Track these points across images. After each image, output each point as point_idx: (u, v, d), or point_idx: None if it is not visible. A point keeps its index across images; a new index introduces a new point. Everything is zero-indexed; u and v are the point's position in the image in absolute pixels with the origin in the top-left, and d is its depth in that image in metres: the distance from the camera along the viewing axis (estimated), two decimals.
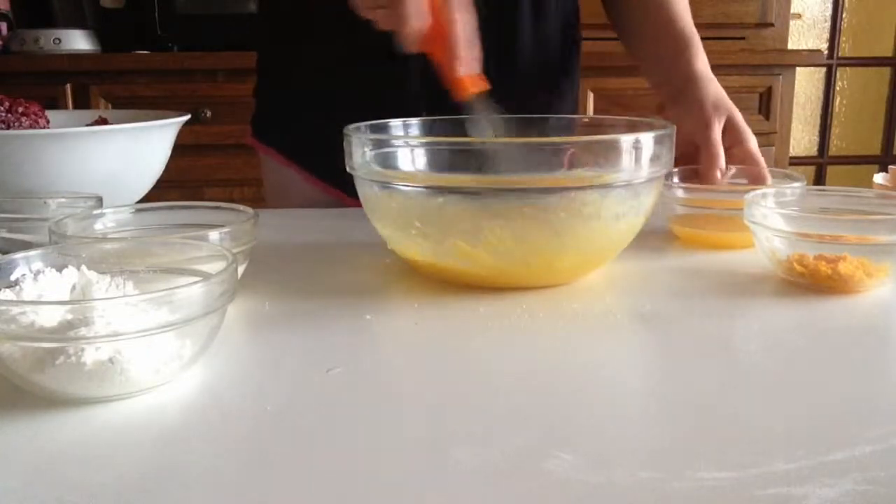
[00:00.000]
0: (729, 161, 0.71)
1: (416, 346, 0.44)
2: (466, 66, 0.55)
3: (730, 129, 0.73)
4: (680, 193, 0.66)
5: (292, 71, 0.89)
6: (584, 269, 0.55)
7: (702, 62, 0.79)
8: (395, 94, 0.80)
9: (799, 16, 2.50)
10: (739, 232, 0.60)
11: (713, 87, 0.76)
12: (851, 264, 0.51)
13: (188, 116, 0.77)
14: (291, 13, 0.86)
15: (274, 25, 0.90)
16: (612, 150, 0.50)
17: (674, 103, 0.78)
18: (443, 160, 0.53)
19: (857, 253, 0.52)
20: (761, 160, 0.72)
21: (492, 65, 0.58)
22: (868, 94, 2.59)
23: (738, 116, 0.74)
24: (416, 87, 0.78)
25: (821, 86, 2.57)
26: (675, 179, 0.69)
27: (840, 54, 2.56)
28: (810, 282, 0.53)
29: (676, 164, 0.64)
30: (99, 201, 0.61)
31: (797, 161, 2.53)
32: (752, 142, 0.73)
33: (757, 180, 0.69)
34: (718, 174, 0.70)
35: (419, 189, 0.51)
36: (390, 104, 0.68)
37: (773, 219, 0.54)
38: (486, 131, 0.58)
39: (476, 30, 0.56)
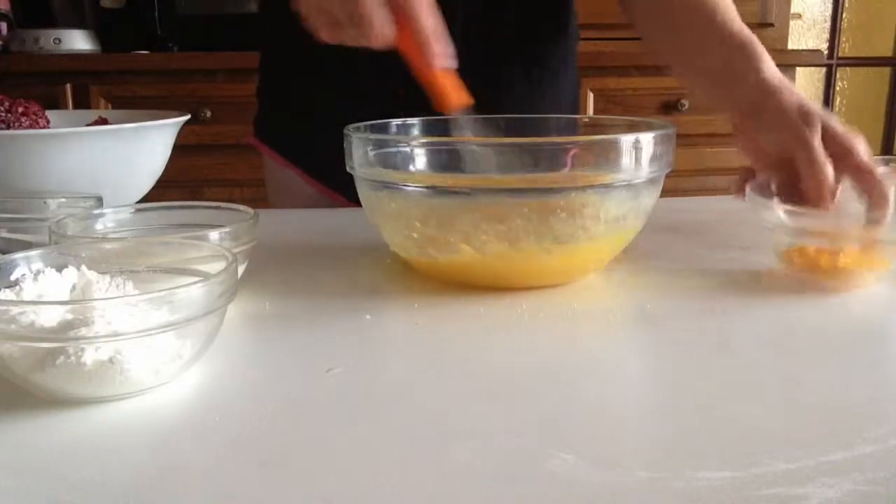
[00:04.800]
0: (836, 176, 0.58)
1: (416, 346, 0.44)
2: (441, 60, 0.54)
3: (828, 140, 0.59)
4: (793, 221, 0.55)
5: (293, 72, 0.89)
6: (584, 270, 0.55)
7: (773, 69, 0.65)
8: (395, 96, 0.79)
9: (799, 16, 2.50)
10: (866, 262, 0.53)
11: (795, 96, 0.62)
12: (851, 257, 0.51)
13: (188, 116, 0.77)
14: (292, 14, 0.87)
15: (275, 26, 0.90)
16: (612, 150, 0.50)
17: (750, 118, 0.64)
18: (443, 160, 0.53)
19: (856, 247, 0.52)
20: (876, 171, 0.57)
21: (477, 82, 0.57)
22: (868, 94, 2.59)
23: (835, 122, 0.60)
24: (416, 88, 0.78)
25: (821, 86, 2.58)
26: (774, 200, 0.58)
27: (840, 54, 2.56)
28: (810, 275, 0.52)
29: (779, 193, 0.56)
30: (99, 201, 0.61)
31: None
32: (861, 149, 0.58)
33: (877, 200, 0.56)
34: (828, 195, 0.56)
35: (419, 189, 0.51)
36: (390, 107, 0.68)
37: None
38: (472, 133, 0.58)
39: (443, 27, 0.55)
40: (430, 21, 0.54)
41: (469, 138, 0.57)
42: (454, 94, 0.55)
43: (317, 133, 0.77)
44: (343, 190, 0.85)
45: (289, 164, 0.90)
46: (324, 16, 0.56)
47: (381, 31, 0.53)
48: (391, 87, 0.77)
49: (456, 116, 0.56)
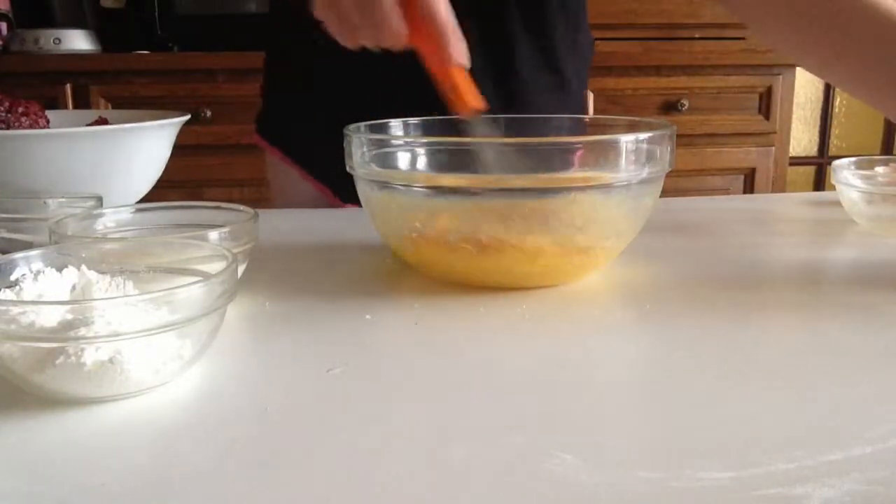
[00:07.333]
0: None
1: (416, 346, 0.44)
2: (458, 58, 0.53)
3: None
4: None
5: (298, 72, 0.89)
6: (584, 270, 0.55)
7: None
8: (401, 97, 0.79)
9: None
10: None
11: None
12: None
13: (188, 116, 0.77)
14: (299, 14, 0.86)
15: (282, 25, 0.90)
16: (612, 150, 0.50)
17: None
18: (443, 160, 0.53)
19: None
20: None
21: (490, 86, 0.56)
22: None
23: None
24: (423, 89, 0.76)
25: (821, 86, 2.57)
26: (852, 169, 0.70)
27: None
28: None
29: None
30: (99, 201, 0.61)
31: (797, 161, 2.53)
32: None
33: None
34: None
35: (419, 189, 0.51)
36: (395, 106, 0.67)
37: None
38: (486, 134, 0.58)
39: (457, 24, 0.54)
40: (447, 17, 0.53)
41: (470, 139, 0.57)
42: (470, 95, 0.54)
43: (318, 131, 0.77)
44: (341, 190, 0.85)
45: (290, 161, 0.91)
46: (339, 17, 0.55)
47: (396, 29, 0.53)
48: (393, 88, 0.77)
49: (471, 118, 0.55)
